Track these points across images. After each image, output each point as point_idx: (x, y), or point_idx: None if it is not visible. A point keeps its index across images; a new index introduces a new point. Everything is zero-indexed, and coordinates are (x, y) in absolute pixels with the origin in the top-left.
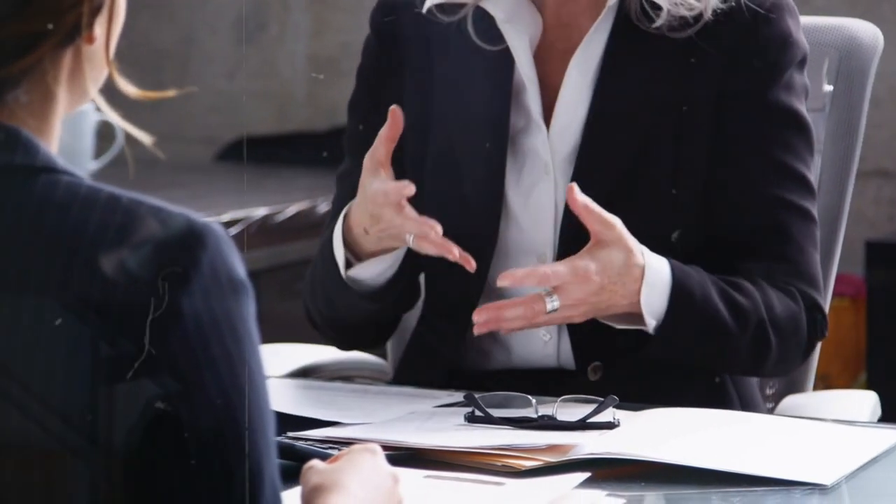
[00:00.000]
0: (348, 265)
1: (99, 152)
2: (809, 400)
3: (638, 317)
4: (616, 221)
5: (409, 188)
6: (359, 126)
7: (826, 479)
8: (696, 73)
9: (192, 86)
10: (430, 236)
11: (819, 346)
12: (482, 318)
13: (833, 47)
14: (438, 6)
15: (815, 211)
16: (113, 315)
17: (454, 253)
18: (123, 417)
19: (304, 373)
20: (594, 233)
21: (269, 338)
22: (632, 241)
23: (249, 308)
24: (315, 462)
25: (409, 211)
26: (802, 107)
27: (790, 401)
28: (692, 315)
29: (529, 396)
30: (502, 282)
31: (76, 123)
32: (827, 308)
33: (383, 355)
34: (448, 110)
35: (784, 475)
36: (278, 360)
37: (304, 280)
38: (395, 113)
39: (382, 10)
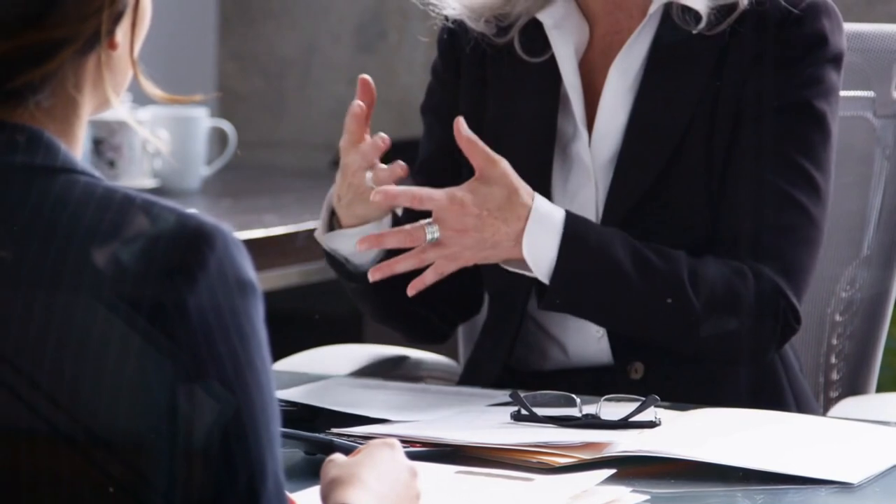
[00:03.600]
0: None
1: (211, 157)
2: (866, 402)
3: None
4: (501, 160)
5: (384, 140)
6: (432, 128)
7: (853, 478)
8: (730, 74)
9: (314, 92)
10: (393, 171)
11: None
12: (377, 273)
13: None
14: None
15: (812, 207)
16: (122, 312)
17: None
18: (127, 410)
19: (374, 372)
20: (478, 169)
21: (375, 338)
22: (518, 182)
23: (256, 307)
24: (336, 456)
25: (380, 165)
26: (826, 107)
27: (847, 402)
28: (585, 262)
29: (574, 395)
30: (376, 197)
31: (189, 129)
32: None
33: (456, 357)
34: (500, 122)
35: (811, 473)
36: (349, 359)
37: None
38: (365, 82)
39: (445, 32)
